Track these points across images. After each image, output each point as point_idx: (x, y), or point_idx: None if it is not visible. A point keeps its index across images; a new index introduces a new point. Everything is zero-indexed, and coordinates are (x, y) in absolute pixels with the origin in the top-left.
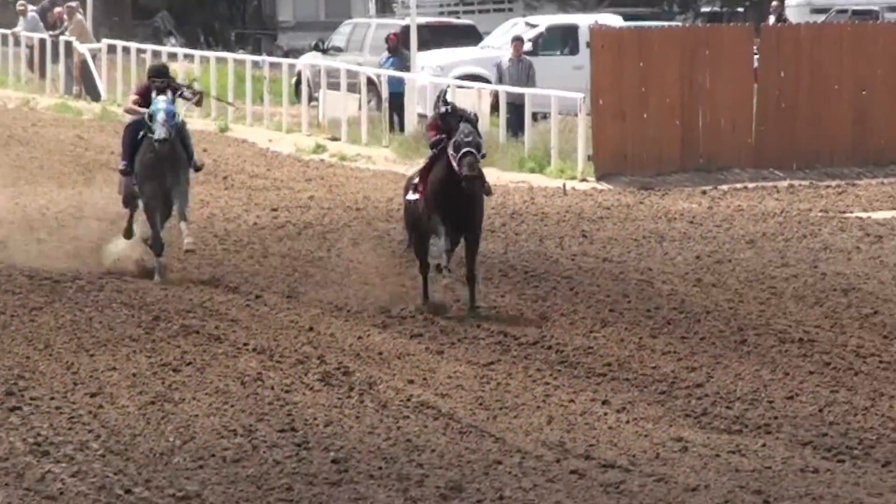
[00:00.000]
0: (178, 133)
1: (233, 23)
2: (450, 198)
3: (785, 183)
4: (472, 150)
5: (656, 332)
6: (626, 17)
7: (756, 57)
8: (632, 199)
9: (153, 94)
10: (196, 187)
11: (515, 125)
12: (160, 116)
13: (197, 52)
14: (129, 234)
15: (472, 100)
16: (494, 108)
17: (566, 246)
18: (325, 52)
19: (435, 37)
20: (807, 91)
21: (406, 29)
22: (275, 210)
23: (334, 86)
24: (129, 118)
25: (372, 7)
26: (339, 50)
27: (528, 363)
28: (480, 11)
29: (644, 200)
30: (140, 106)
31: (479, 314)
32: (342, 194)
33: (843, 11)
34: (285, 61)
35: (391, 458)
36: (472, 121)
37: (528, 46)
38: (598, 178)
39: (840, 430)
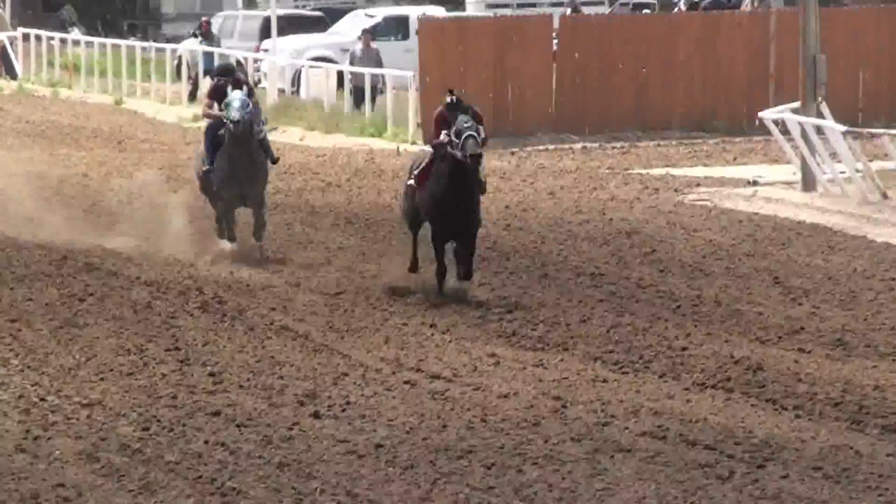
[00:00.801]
0: (252, 124)
1: (125, 15)
2: (449, 190)
3: (579, 145)
4: (473, 134)
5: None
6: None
7: (555, 41)
8: None
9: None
10: (95, 150)
11: (358, 99)
12: (235, 104)
13: (96, 40)
14: (224, 232)
15: (321, 78)
16: (339, 84)
17: (399, 198)
18: (214, 40)
19: (291, 26)
20: (597, 69)
21: (267, 19)
22: (160, 168)
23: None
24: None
25: (240, 1)
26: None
27: (369, 293)
28: (328, 4)
29: None
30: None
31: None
32: None
33: (625, 4)
34: (168, 46)
35: (257, 372)
36: (473, 111)
37: (362, 31)
38: (426, 142)
39: (624, 348)
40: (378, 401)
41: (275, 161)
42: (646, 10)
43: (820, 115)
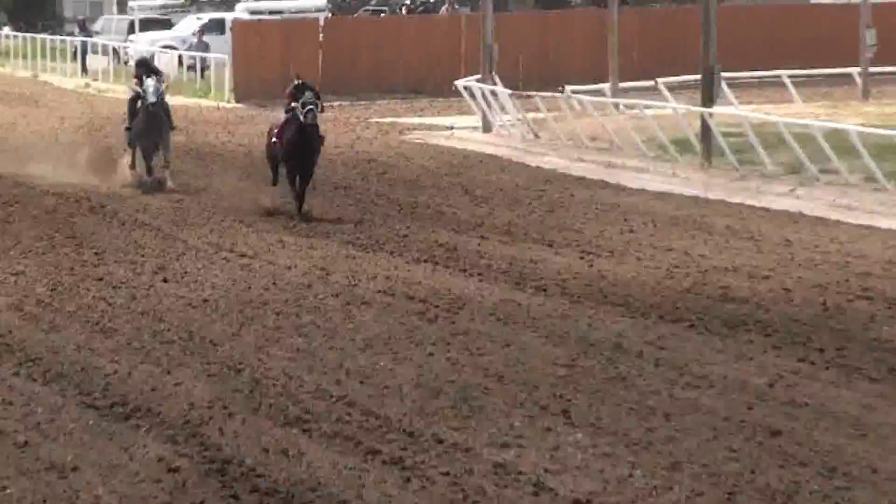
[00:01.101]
0: (162, 102)
1: (41, 17)
2: (297, 145)
3: (337, 104)
4: (313, 108)
5: (245, 176)
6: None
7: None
8: (255, 112)
9: (143, 77)
10: (20, 107)
11: (197, 72)
12: (150, 89)
13: (21, 34)
14: (133, 165)
15: (168, 59)
16: (180, 63)
17: (218, 138)
18: (90, 34)
19: (148, 25)
20: (348, 54)
21: (132, 21)
22: (63, 118)
23: (95, 52)
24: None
25: (115, 8)
26: (97, 33)
27: (199, 200)
28: (174, 10)
29: (262, 113)
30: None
31: (308, 216)
32: (99, 110)
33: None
34: (68, 38)
35: (125, 251)
36: (314, 90)
37: (195, 29)
38: (237, 101)
39: (367, 236)
40: (205, 271)
41: (173, 128)
42: (382, 13)
43: (493, 83)
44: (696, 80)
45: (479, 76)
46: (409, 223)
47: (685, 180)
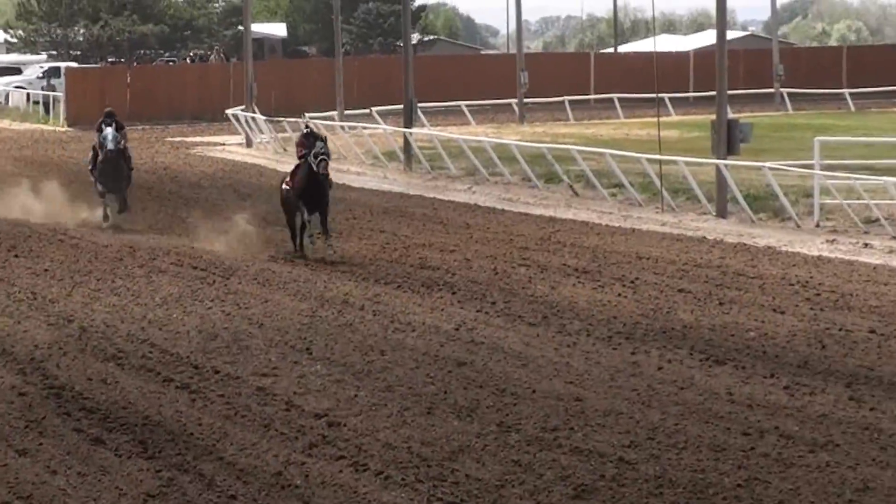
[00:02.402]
0: (120, 150)
1: None
2: (310, 189)
3: (141, 128)
4: (325, 157)
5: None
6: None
7: (129, 79)
8: (82, 133)
9: (103, 126)
10: None
11: (41, 105)
12: (109, 138)
13: None
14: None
15: (20, 96)
16: (28, 100)
17: (56, 152)
18: None
19: (6, 71)
20: (149, 91)
21: None
22: None
23: None
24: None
25: None
26: None
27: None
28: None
29: (88, 133)
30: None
31: (333, 247)
32: None
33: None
34: None
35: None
36: (324, 139)
37: (40, 74)
38: (70, 126)
39: (182, 226)
40: (45, 249)
41: (131, 169)
42: (172, 62)
43: (254, 112)
44: (400, 108)
45: (243, 107)
46: (193, 213)
47: (393, 181)
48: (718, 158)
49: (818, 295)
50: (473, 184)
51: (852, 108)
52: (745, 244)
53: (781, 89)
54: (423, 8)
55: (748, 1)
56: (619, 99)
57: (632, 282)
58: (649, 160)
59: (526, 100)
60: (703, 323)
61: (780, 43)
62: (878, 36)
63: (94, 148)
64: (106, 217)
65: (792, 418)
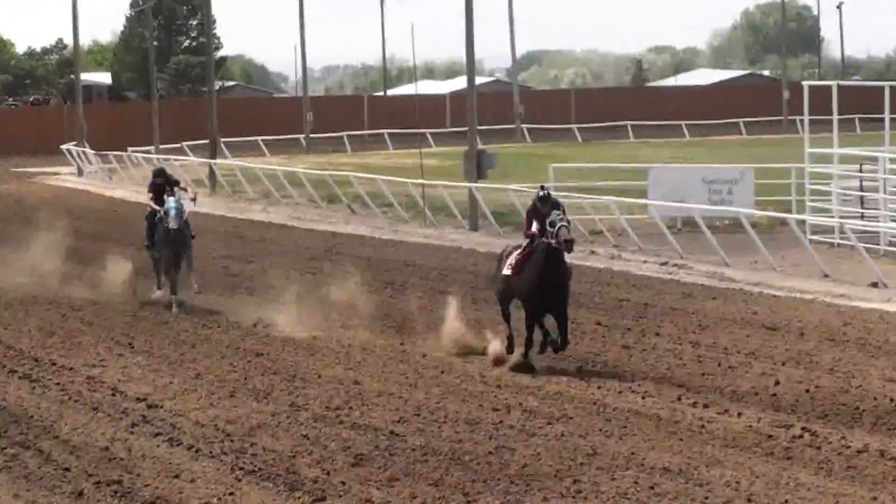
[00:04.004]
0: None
1: None
2: (544, 277)
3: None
4: (565, 224)
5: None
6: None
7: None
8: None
9: (165, 195)
10: None
11: None
12: (172, 213)
13: None
14: (159, 284)
15: None
16: None
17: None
18: None
19: None
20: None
21: None
22: None
23: None
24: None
25: None
26: None
27: None
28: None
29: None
30: (153, 201)
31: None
32: None
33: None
34: None
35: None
36: (562, 206)
37: None
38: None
39: (2, 236)
40: None
41: (192, 237)
42: (15, 106)
43: (84, 147)
44: (206, 143)
45: (76, 142)
46: (33, 229)
47: (201, 204)
48: (471, 182)
49: None
50: (268, 205)
51: (580, 140)
52: (493, 252)
53: (522, 125)
54: (224, 59)
55: (494, 51)
56: (389, 134)
57: (401, 285)
58: (414, 184)
59: (311, 135)
60: (460, 318)
61: (520, 86)
62: (599, 80)
63: (147, 216)
64: (159, 286)
65: (533, 395)
